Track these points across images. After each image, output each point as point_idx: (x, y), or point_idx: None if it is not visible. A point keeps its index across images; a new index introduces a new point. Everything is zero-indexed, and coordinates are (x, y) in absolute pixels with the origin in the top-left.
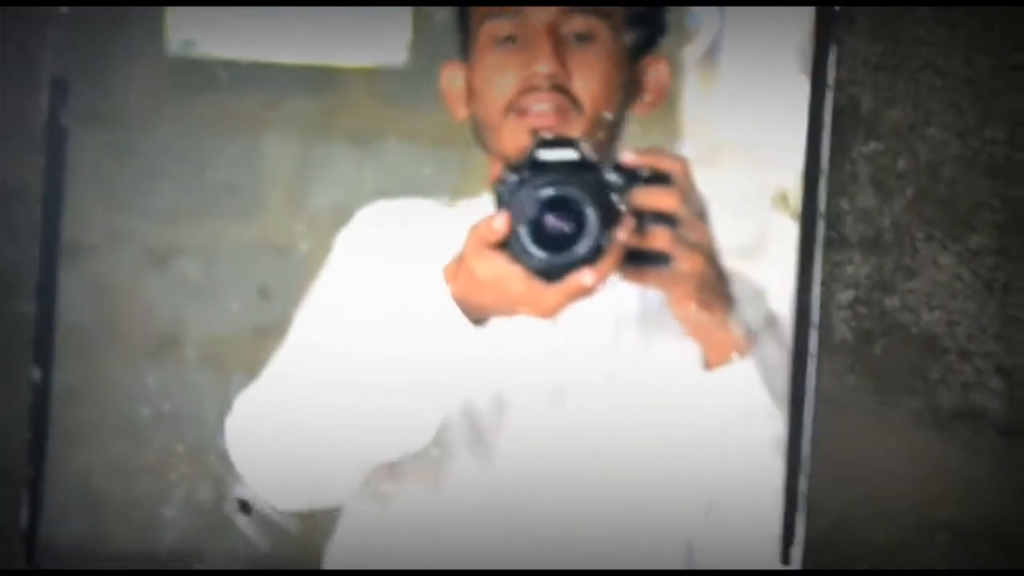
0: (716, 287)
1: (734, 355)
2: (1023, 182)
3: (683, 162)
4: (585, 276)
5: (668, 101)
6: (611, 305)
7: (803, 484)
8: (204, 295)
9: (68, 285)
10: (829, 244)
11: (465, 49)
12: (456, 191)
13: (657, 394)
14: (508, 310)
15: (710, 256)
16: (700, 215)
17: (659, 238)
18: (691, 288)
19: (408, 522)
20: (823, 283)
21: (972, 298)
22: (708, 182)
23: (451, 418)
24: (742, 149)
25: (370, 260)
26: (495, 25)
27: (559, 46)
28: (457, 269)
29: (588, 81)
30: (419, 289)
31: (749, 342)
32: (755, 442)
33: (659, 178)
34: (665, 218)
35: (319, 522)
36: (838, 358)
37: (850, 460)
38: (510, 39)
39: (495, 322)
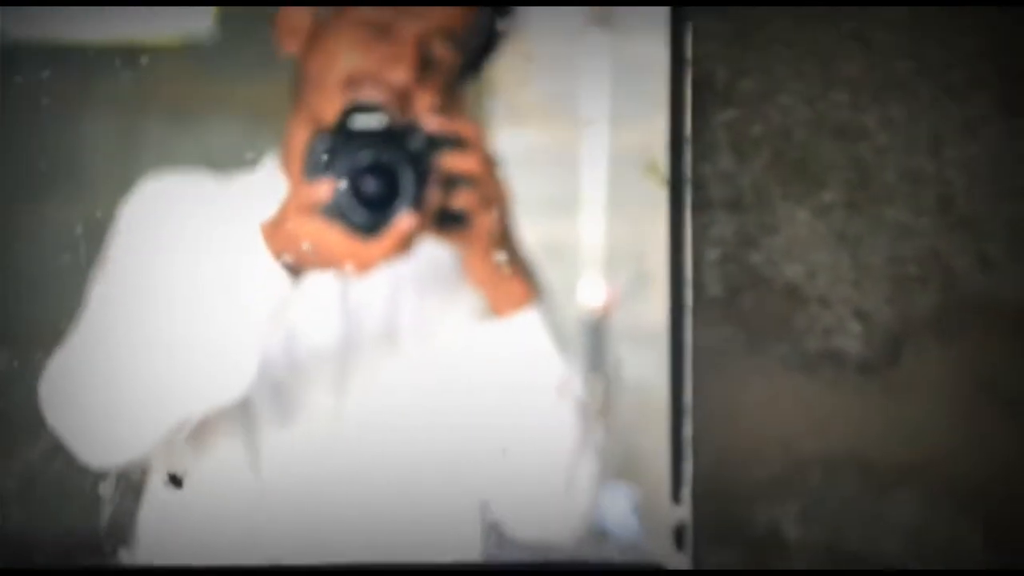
0: (507, 242)
1: (520, 305)
2: (866, 141)
3: (475, 126)
4: (404, 221)
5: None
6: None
7: (687, 429)
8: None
9: None
10: (696, 206)
11: None
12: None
13: (439, 346)
14: (328, 264)
15: (504, 210)
16: (495, 172)
17: (461, 197)
18: (489, 242)
19: (222, 483)
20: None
21: (828, 250)
22: (516, 139)
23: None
24: (548, 106)
25: (156, 227)
26: (369, 9)
27: (419, 60)
28: (275, 229)
29: (428, 96)
30: (219, 243)
31: (534, 292)
32: (542, 384)
33: (457, 141)
34: (465, 178)
35: None
36: (710, 312)
37: (726, 404)
38: (377, 27)
39: (312, 275)
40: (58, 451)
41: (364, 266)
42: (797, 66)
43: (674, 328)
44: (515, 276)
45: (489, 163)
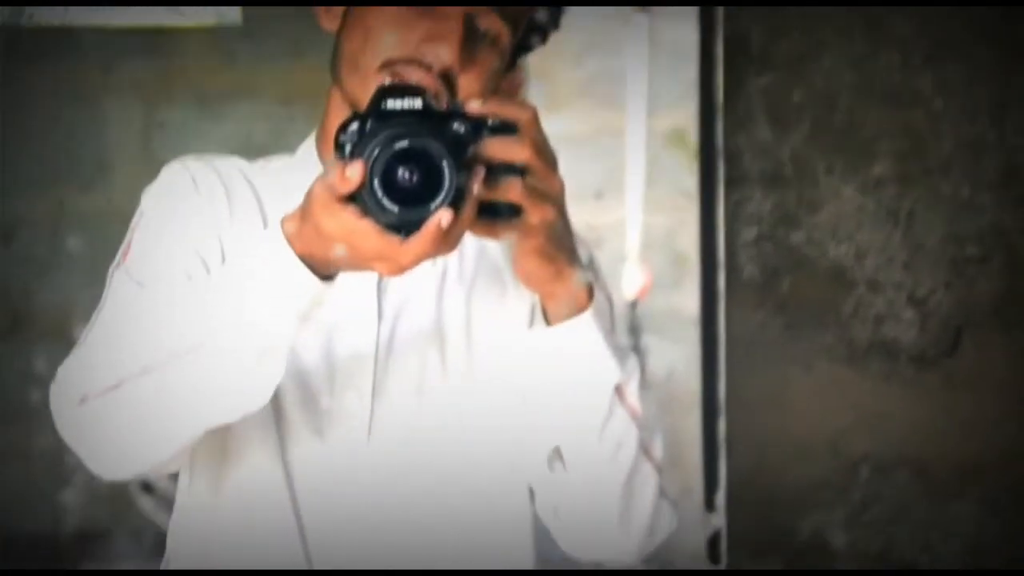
0: (564, 240)
1: (577, 311)
2: (920, 107)
3: (531, 110)
4: (444, 217)
5: None
6: (436, 260)
7: (722, 428)
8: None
9: None
10: (729, 181)
11: None
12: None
13: (486, 349)
14: (359, 266)
15: (560, 207)
16: (551, 165)
17: (510, 189)
18: (541, 240)
19: (255, 491)
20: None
21: (878, 228)
22: (555, 123)
23: (284, 383)
24: (585, 89)
25: (181, 216)
26: None
27: (465, 40)
28: (300, 224)
29: (472, 81)
30: (243, 242)
31: (589, 295)
32: (596, 392)
33: (506, 127)
34: (515, 168)
35: None
36: (746, 296)
37: (765, 399)
38: None
39: (343, 276)
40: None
41: (396, 268)
42: (842, 25)
43: (706, 315)
44: (573, 277)
45: (543, 151)
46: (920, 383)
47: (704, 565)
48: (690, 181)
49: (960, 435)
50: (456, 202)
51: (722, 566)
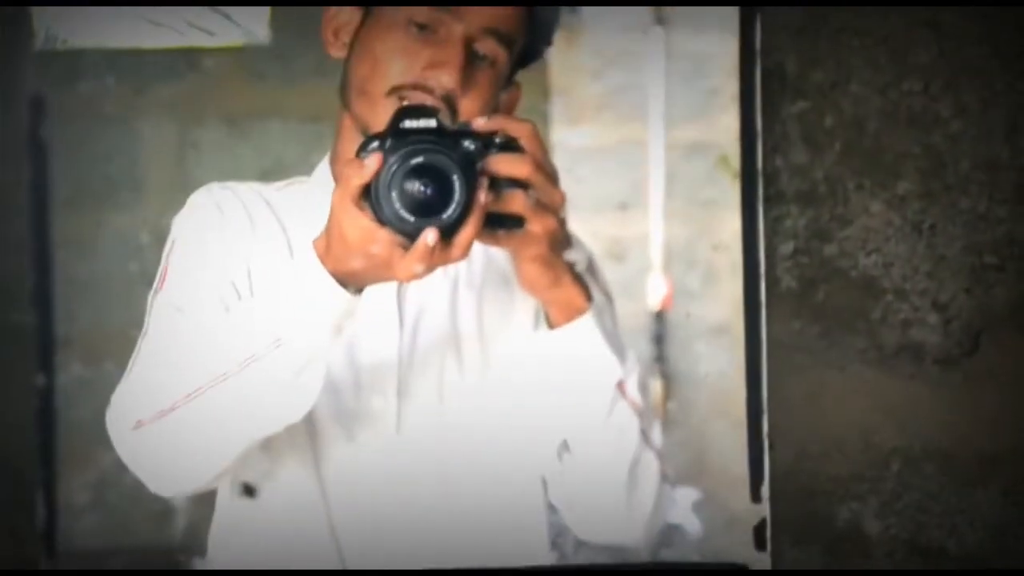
0: (563, 248)
1: (576, 314)
2: (940, 130)
3: (530, 127)
4: (430, 235)
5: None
6: (447, 269)
7: (765, 427)
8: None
9: None
10: (768, 199)
11: None
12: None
13: (494, 350)
14: (378, 276)
15: (560, 218)
16: (552, 177)
17: (514, 201)
18: (542, 249)
19: (290, 494)
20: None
21: (903, 240)
22: (577, 136)
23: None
24: (605, 104)
25: (211, 242)
26: (417, 8)
27: (465, 64)
28: (328, 240)
29: (473, 102)
30: (272, 264)
31: (587, 298)
32: (599, 387)
33: (511, 144)
34: (519, 181)
35: None
36: (785, 305)
37: (803, 399)
38: (423, 27)
39: (370, 289)
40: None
41: (402, 276)
42: (868, 55)
43: (749, 323)
44: (570, 283)
45: (543, 166)
46: (944, 382)
47: (751, 551)
48: (707, 192)
49: (983, 429)
50: (465, 213)
51: (767, 551)
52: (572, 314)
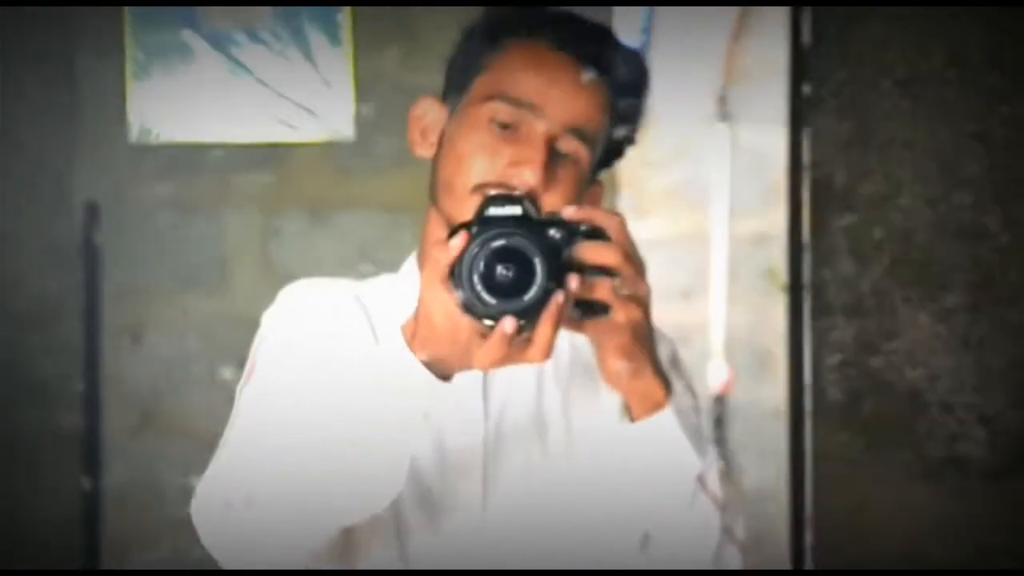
0: (646, 341)
1: (655, 408)
2: (989, 242)
3: (619, 219)
4: (508, 323)
5: None
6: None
7: (808, 539)
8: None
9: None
10: (815, 311)
11: (454, 97)
12: (408, 251)
13: (579, 438)
14: (461, 363)
15: (646, 309)
16: (639, 269)
17: (600, 289)
18: (625, 339)
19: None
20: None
21: (951, 354)
22: (643, 228)
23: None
24: (669, 195)
25: (301, 337)
26: (500, 107)
27: (548, 162)
28: (416, 326)
29: (555, 199)
30: (359, 358)
31: (667, 392)
32: (680, 480)
33: (597, 233)
34: (605, 270)
35: None
36: (830, 417)
37: (847, 512)
38: (506, 127)
39: (461, 376)
40: None
41: (481, 364)
42: (918, 168)
43: (793, 434)
44: (651, 376)
45: (631, 256)
46: (991, 497)
47: None
48: (765, 284)
49: None
50: (546, 297)
51: None
52: (651, 408)
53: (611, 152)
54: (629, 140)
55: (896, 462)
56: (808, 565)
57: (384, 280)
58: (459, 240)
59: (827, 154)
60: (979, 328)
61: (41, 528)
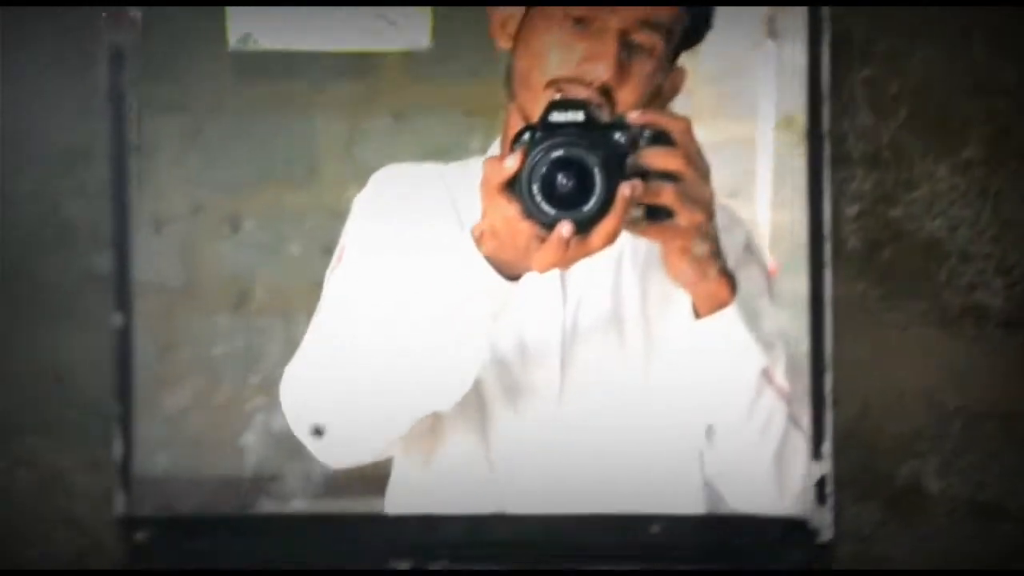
0: (711, 242)
1: (719, 307)
2: (1006, 96)
3: (685, 121)
4: (565, 228)
5: None
6: (611, 249)
7: (828, 383)
8: (269, 252)
9: (158, 250)
10: (834, 162)
11: None
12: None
13: (654, 332)
14: (522, 266)
15: (710, 213)
16: (703, 173)
17: (663, 194)
18: (688, 242)
19: (456, 468)
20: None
21: (969, 205)
22: (698, 134)
23: (484, 368)
24: (717, 99)
25: (387, 220)
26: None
27: (621, 54)
28: (482, 227)
29: (630, 93)
30: (441, 245)
31: (732, 291)
32: (744, 377)
33: (663, 137)
34: (670, 175)
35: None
36: (849, 267)
37: (866, 359)
38: (580, 21)
39: (527, 277)
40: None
41: (540, 267)
42: (935, 24)
43: (814, 283)
44: (716, 276)
45: (695, 161)
46: (1007, 344)
47: (812, 506)
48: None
49: None
50: (606, 207)
51: (828, 508)
52: (716, 306)
53: (691, 36)
54: (706, 22)
55: (914, 310)
56: (828, 409)
57: (471, 163)
58: (513, 161)
59: (846, 8)
60: (996, 180)
61: (76, 368)
